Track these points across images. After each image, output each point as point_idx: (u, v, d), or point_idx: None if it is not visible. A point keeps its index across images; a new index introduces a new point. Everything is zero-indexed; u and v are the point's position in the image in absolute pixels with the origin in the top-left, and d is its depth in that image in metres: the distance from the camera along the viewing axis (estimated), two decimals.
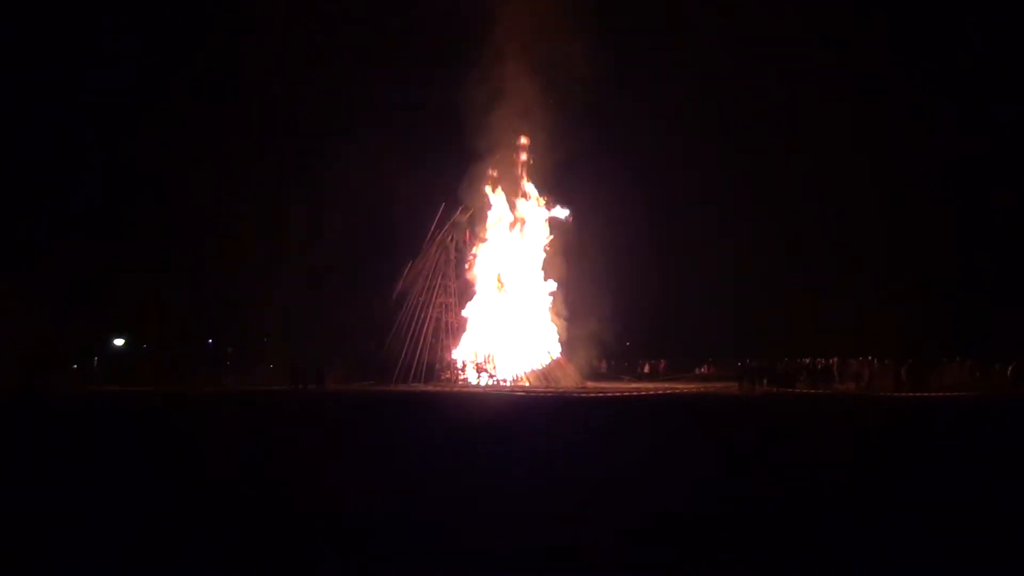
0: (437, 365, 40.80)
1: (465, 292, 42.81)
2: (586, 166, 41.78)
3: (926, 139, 41.91)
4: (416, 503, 9.55)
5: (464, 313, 42.40)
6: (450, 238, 42.24)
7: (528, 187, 43.07)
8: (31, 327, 37.45)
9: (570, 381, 39.56)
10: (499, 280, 42.35)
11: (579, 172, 41.78)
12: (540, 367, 40.58)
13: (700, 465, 12.81)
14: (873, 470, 12.13)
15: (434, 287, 41.55)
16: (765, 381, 36.95)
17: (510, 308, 41.84)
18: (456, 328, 42.13)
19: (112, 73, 44.41)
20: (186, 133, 43.86)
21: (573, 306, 41.11)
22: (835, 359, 37.41)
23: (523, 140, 42.17)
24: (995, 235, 41.38)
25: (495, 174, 42.31)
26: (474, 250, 43.12)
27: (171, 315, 43.70)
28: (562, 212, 42.42)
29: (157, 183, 44.27)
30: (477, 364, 41.31)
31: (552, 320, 42.01)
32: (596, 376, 42.37)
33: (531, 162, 42.57)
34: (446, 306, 41.99)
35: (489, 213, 43.04)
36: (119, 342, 45.64)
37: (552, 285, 42.25)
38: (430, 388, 37.06)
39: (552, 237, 42.55)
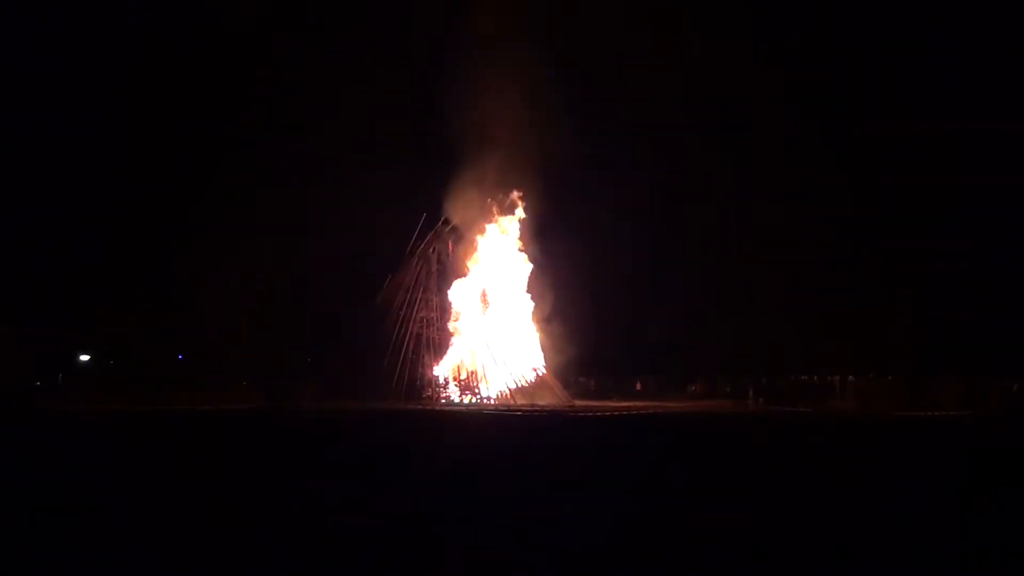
0: (418, 382, 39.09)
1: (447, 307, 41.19)
2: (573, 179, 40.53)
3: (922, 151, 40.95)
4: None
5: (448, 328, 40.79)
6: (432, 250, 40.64)
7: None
8: None
9: (557, 399, 38.03)
10: (483, 298, 40.72)
11: (567, 184, 40.44)
12: (526, 385, 39.01)
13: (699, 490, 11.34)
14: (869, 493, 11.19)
15: (415, 301, 39.93)
16: (761, 399, 35.77)
17: (494, 324, 40.24)
18: (438, 344, 40.49)
19: (87, 80, 42.94)
20: (155, 141, 42.35)
21: (560, 322, 39.51)
22: (837, 377, 36.18)
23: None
24: (1000, 247, 40.35)
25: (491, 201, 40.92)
26: (467, 263, 41.47)
27: (139, 329, 41.75)
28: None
29: (124, 192, 42.53)
30: (461, 382, 39.66)
31: (538, 336, 40.40)
32: (585, 394, 40.79)
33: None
34: (427, 321, 40.36)
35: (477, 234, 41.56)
36: (85, 358, 43.62)
37: (537, 300, 40.68)
38: (411, 406, 35.31)
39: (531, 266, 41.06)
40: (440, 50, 37.95)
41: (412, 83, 40.77)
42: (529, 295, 40.72)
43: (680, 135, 43.27)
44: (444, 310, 40.97)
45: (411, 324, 39.38)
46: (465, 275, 41.29)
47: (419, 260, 40.41)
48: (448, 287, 41.22)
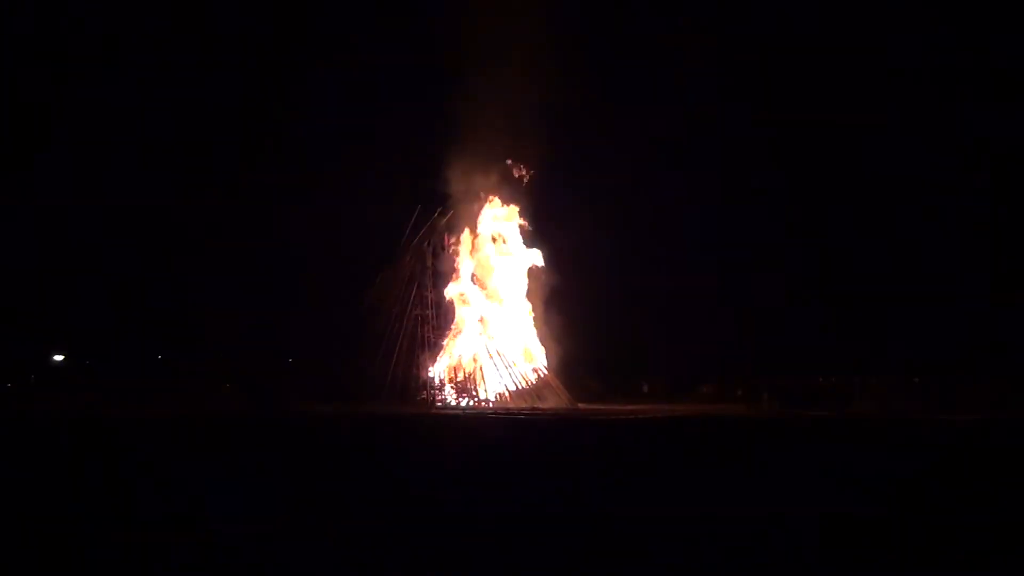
0: (413, 384, 36.87)
1: (443, 304, 39.09)
2: (576, 172, 38.82)
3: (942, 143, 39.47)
4: None
5: (443, 327, 38.68)
6: (427, 243, 38.54)
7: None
8: None
9: (559, 402, 35.96)
10: (479, 280, 38.63)
11: (568, 176, 38.69)
12: (527, 386, 36.91)
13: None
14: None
15: (409, 298, 37.85)
16: (776, 402, 33.83)
17: (493, 321, 38.15)
18: (433, 343, 38.37)
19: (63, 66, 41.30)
20: (133, 130, 40.70)
21: (564, 319, 37.40)
22: (857, 378, 34.25)
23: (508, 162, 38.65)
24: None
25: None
26: (456, 261, 39.28)
27: (117, 328, 39.91)
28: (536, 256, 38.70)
29: (101, 184, 40.84)
30: (457, 384, 37.54)
31: (539, 335, 38.28)
32: (589, 396, 38.63)
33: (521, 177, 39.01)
34: (422, 319, 38.25)
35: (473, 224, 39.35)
36: (59, 357, 41.56)
37: (539, 296, 38.55)
38: (405, 409, 33.21)
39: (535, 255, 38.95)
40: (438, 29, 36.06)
41: (408, 68, 39.12)
42: (528, 280, 38.65)
43: (681, 134, 41.89)
44: (440, 307, 38.90)
45: (405, 322, 37.34)
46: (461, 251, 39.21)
47: (413, 255, 38.34)
48: (444, 282, 39.14)
